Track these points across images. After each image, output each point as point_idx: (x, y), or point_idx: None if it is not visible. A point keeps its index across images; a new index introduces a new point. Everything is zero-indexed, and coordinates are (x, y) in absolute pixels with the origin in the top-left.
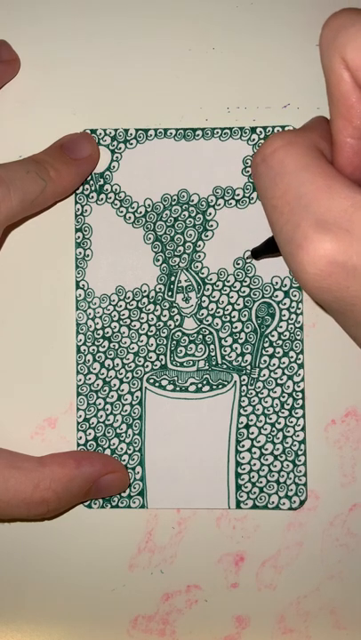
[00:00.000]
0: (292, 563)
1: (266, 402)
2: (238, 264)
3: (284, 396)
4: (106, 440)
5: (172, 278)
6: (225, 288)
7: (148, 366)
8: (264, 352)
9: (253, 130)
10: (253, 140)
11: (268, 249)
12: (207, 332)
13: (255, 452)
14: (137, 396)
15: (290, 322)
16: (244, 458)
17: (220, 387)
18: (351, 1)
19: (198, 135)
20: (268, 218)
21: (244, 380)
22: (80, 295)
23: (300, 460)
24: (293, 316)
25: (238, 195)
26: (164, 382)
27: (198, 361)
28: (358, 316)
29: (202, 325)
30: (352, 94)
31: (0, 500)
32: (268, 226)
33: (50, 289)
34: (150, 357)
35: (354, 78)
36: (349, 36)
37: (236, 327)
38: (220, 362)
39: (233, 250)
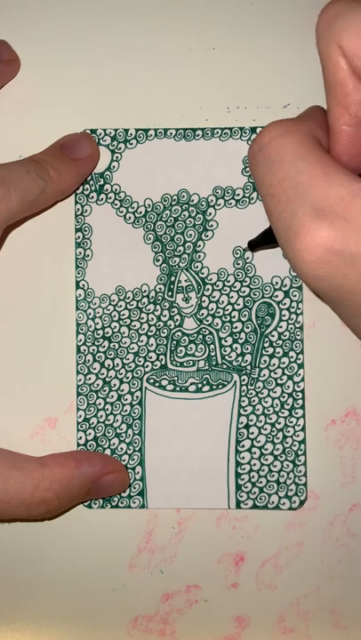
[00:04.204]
0: (292, 563)
1: (266, 402)
2: (238, 264)
3: (284, 396)
4: (106, 440)
5: (172, 278)
6: (225, 288)
7: (148, 366)
8: (264, 352)
9: (253, 130)
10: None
11: (264, 240)
12: (207, 331)
13: (255, 452)
14: (137, 396)
15: (290, 322)
16: (244, 458)
17: (220, 387)
18: None
19: (198, 135)
20: (266, 207)
21: (244, 380)
22: (80, 295)
23: (300, 460)
24: (293, 316)
25: (238, 195)
26: (164, 382)
27: (198, 361)
28: (356, 306)
29: (202, 325)
30: (348, 81)
31: (0, 501)
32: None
33: (50, 289)
34: (150, 357)
35: (350, 65)
36: (346, 22)
37: (236, 327)
38: (220, 362)
39: (233, 250)
